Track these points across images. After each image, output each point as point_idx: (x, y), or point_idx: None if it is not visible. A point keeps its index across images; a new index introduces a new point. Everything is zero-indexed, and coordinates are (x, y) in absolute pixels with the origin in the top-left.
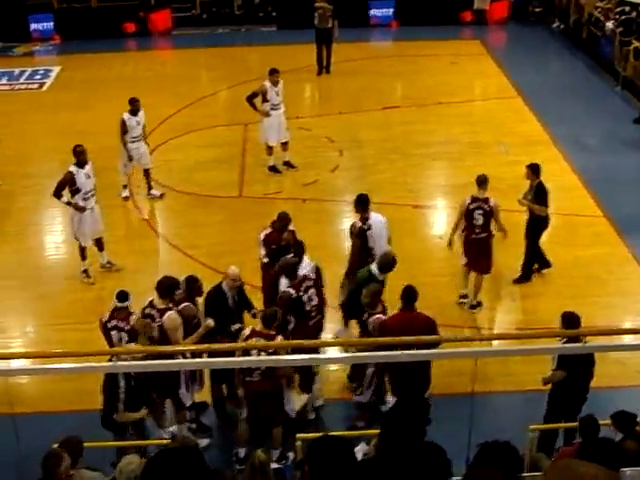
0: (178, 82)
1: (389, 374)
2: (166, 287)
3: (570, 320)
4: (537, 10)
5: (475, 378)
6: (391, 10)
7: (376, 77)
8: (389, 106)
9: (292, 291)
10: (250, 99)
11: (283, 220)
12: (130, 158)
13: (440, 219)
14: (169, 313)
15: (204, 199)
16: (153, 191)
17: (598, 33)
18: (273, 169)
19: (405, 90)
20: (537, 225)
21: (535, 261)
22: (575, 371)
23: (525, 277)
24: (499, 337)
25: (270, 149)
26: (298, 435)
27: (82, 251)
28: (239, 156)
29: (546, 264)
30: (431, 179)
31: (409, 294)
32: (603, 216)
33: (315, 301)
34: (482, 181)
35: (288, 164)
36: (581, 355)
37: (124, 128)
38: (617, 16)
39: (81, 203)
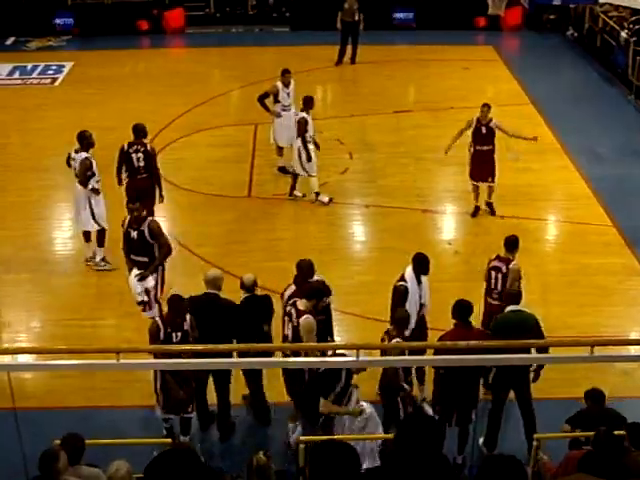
0: (190, 81)
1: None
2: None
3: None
4: (551, 18)
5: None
6: (412, 14)
7: (389, 81)
8: (401, 110)
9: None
10: (261, 99)
11: (303, 270)
12: None
13: (449, 225)
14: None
15: (213, 198)
16: None
17: (612, 42)
18: (283, 170)
19: (417, 94)
20: None
21: None
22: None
23: None
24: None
25: (280, 150)
26: (301, 438)
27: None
28: (249, 156)
29: None
30: (441, 184)
31: (461, 309)
32: (613, 226)
33: None
34: None
35: None
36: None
37: None
38: (631, 25)
39: (97, 187)
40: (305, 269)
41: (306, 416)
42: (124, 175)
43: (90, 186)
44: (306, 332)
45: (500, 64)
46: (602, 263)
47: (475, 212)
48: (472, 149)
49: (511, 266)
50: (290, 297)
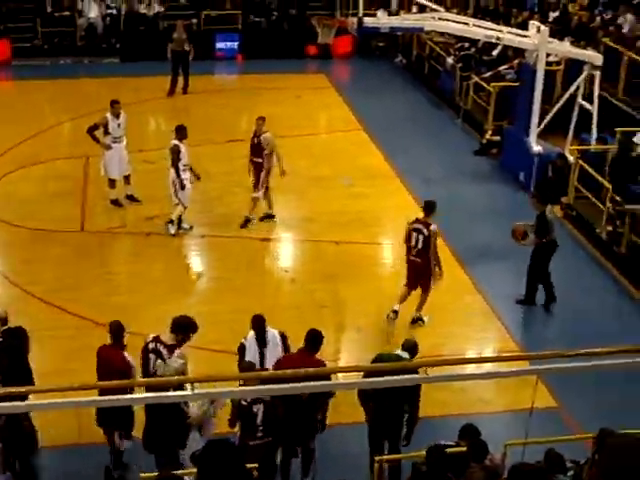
0: (20, 113)
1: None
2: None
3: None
4: (380, 45)
5: None
6: (236, 43)
7: (221, 110)
8: (233, 139)
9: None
10: (91, 131)
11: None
12: None
13: (286, 252)
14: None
15: (44, 234)
16: None
17: (439, 68)
18: (116, 203)
19: (249, 123)
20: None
21: (544, 287)
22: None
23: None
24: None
25: (112, 182)
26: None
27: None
28: (80, 189)
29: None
30: (277, 212)
31: (313, 337)
32: (445, 246)
33: None
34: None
35: (131, 198)
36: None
37: None
38: (457, 52)
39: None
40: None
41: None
42: None
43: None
44: (175, 371)
45: (332, 91)
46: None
47: (245, 223)
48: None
49: (431, 228)
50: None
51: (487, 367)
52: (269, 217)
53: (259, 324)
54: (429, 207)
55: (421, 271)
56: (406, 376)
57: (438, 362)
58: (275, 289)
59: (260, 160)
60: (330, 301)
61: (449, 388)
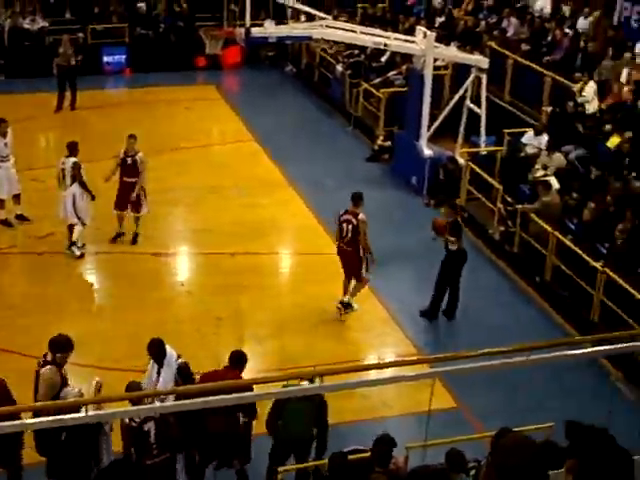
0: None
1: None
2: None
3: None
4: (270, 54)
5: None
6: (123, 57)
7: (112, 125)
8: (134, 147)
9: None
10: None
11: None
12: None
13: (181, 266)
14: None
15: None
16: None
17: (329, 76)
18: (5, 223)
19: (141, 137)
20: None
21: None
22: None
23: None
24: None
25: (2, 202)
26: None
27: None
28: None
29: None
30: (170, 225)
31: (236, 357)
32: None
33: None
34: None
35: (21, 217)
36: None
37: None
38: (346, 59)
39: None
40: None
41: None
42: None
43: None
44: (44, 381)
45: (222, 102)
46: (333, 291)
47: (115, 238)
48: (119, 180)
49: (360, 217)
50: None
51: (388, 372)
52: (119, 235)
53: (154, 348)
54: (356, 198)
55: (351, 260)
56: (309, 386)
57: (339, 370)
58: (171, 303)
59: (134, 180)
60: (227, 313)
61: (352, 394)
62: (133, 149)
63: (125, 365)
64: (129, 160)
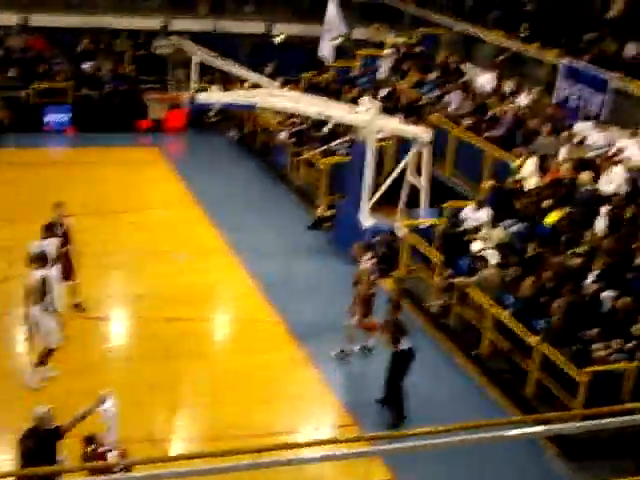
0: None
1: None
2: None
3: None
4: (214, 119)
5: None
6: (66, 116)
7: (51, 184)
8: (64, 215)
9: None
10: None
11: None
12: None
13: (115, 330)
14: None
15: None
16: None
17: (272, 143)
18: None
19: (81, 198)
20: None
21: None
22: None
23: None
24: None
25: None
26: None
27: None
28: None
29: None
30: (109, 289)
31: None
32: (280, 321)
33: None
34: None
35: None
36: None
37: None
38: (289, 127)
39: None
40: None
41: None
42: None
43: None
44: None
45: (165, 165)
46: (269, 359)
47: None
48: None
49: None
50: None
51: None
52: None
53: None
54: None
55: None
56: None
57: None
58: (105, 368)
59: (68, 247)
60: (160, 380)
61: (287, 467)
62: (63, 216)
63: None
64: (62, 228)
